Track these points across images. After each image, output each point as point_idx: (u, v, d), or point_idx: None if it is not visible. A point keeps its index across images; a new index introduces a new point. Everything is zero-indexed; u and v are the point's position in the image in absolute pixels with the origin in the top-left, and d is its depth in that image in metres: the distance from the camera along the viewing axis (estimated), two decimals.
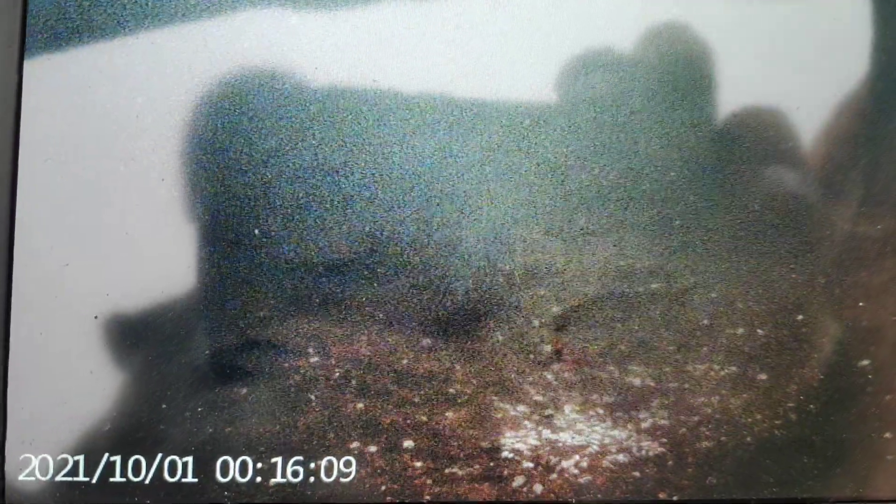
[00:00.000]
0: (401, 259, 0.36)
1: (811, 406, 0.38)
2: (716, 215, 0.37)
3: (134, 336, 0.36)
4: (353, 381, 0.36)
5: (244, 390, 0.36)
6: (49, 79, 0.35)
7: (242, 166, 0.36)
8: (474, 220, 0.36)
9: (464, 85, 0.37)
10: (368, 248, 0.36)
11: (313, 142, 0.36)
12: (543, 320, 0.37)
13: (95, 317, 0.35)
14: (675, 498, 0.37)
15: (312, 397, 0.36)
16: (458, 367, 0.37)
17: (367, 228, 0.36)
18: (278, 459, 0.36)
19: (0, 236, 0.35)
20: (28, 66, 0.35)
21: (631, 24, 0.37)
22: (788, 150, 0.38)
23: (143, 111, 0.36)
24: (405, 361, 0.36)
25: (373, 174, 0.36)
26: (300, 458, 0.36)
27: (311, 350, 0.36)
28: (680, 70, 0.37)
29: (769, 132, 0.38)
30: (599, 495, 0.37)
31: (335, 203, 0.36)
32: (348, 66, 0.36)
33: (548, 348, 0.37)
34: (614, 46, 0.37)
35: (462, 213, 0.36)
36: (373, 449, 0.36)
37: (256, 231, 0.36)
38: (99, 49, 0.36)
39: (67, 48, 0.35)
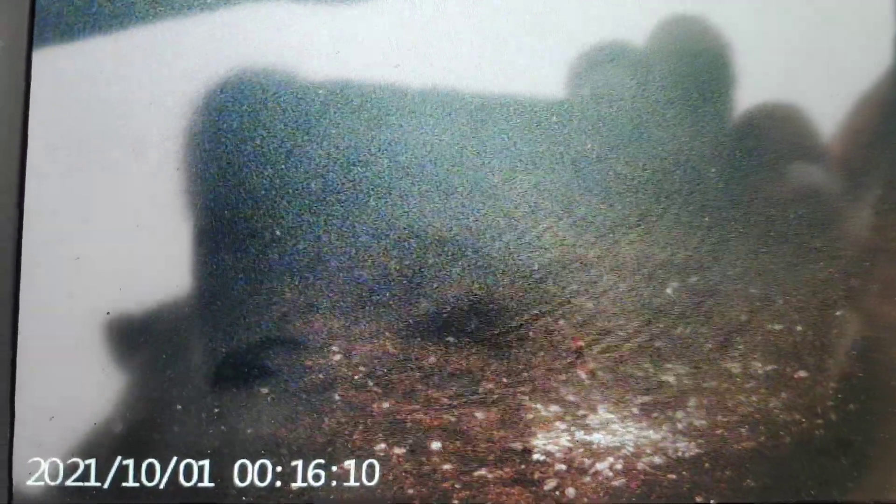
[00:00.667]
0: (424, 253, 0.35)
1: (851, 406, 0.37)
2: (751, 210, 0.36)
3: (147, 334, 0.34)
4: (378, 381, 0.35)
5: (263, 390, 0.35)
6: (58, 69, 0.34)
7: (259, 157, 0.35)
8: (500, 212, 0.35)
9: (488, 75, 0.35)
10: (391, 242, 0.35)
11: (333, 133, 0.35)
12: (574, 315, 0.35)
13: (107, 313, 0.34)
14: (711, 502, 0.36)
15: (336, 397, 0.35)
16: (486, 366, 0.35)
17: (389, 221, 0.35)
18: (299, 462, 0.35)
19: (8, 231, 0.34)
20: (37, 56, 0.34)
21: (661, 13, 0.36)
22: (819, 143, 0.37)
23: (155, 101, 0.34)
24: (432, 359, 0.35)
25: (394, 166, 0.35)
26: (322, 461, 0.35)
27: (334, 348, 0.35)
28: (708, 62, 0.36)
29: (799, 125, 0.37)
30: (634, 499, 0.35)
31: (355, 196, 0.35)
32: (369, 54, 0.35)
33: (580, 344, 0.35)
34: (641, 37, 0.36)
35: (487, 205, 0.35)
36: (399, 451, 0.35)
37: (277, 230, 0.34)
38: (109, 39, 0.34)
39: (76, 38, 0.34)
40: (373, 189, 0.35)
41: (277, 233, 0.35)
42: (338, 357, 0.35)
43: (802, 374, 0.36)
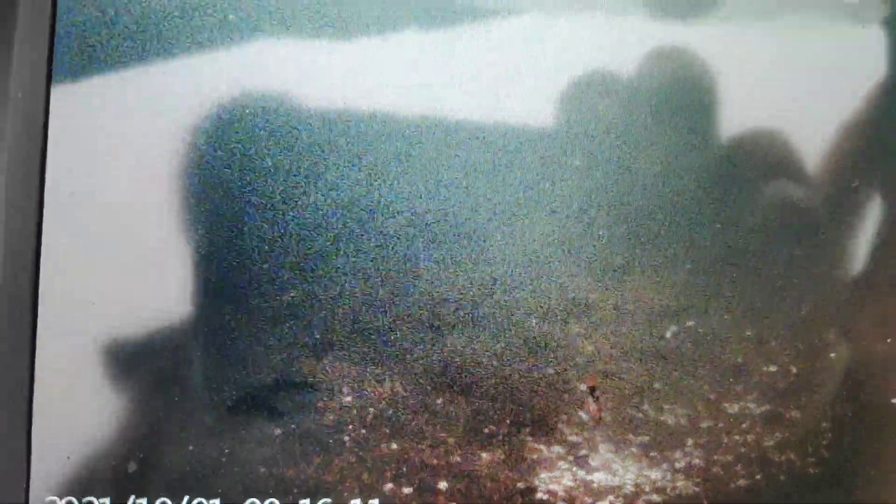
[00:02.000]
0: (427, 296, 0.36)
1: (845, 440, 0.37)
2: (748, 252, 0.37)
3: (161, 373, 0.35)
4: (386, 422, 0.36)
5: (273, 430, 0.35)
6: (76, 105, 0.35)
7: (270, 193, 0.35)
8: (499, 254, 0.36)
9: (483, 117, 0.36)
10: (395, 285, 0.36)
11: (335, 171, 0.35)
12: (577, 358, 0.36)
13: (123, 352, 0.35)
14: None
15: (346, 438, 0.35)
16: (491, 407, 0.36)
17: (387, 265, 0.36)
18: (306, 501, 0.35)
19: (25, 271, 0.34)
20: (55, 92, 0.35)
21: (647, 47, 0.37)
22: (813, 175, 0.37)
23: (171, 136, 0.35)
24: (440, 402, 0.36)
25: (393, 210, 0.36)
26: (329, 499, 0.35)
27: (344, 390, 0.35)
28: (688, 93, 0.37)
29: (793, 157, 0.37)
30: None
31: (354, 241, 0.35)
32: (365, 92, 0.36)
33: (582, 387, 0.36)
34: (627, 70, 0.37)
35: (487, 248, 0.36)
36: (406, 490, 0.36)
37: (283, 272, 0.35)
38: (125, 76, 0.35)
39: (95, 74, 0.35)
40: (373, 235, 0.36)
41: (285, 276, 0.35)
42: (348, 398, 0.36)
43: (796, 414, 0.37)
